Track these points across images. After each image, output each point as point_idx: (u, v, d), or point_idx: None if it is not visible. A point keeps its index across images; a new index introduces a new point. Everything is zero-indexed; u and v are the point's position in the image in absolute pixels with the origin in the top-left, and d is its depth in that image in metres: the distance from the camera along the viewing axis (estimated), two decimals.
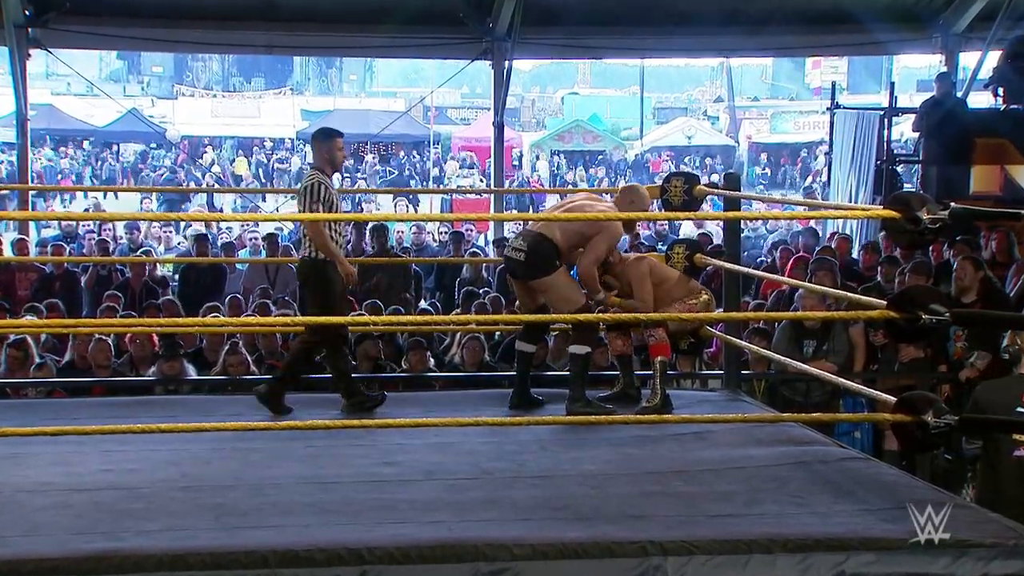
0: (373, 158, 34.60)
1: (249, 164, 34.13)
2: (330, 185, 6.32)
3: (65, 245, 12.43)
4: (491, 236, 14.71)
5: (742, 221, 8.47)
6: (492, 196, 16.62)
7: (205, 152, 34.83)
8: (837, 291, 6.50)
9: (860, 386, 5.48)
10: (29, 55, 13.10)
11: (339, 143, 6.46)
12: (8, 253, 11.89)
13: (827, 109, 16.15)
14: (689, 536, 4.21)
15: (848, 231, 13.03)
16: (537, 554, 4.12)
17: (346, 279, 6.25)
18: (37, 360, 7.96)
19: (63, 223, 13.94)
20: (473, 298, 9.95)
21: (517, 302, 6.57)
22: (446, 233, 14.39)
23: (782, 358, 6.57)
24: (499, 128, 14.78)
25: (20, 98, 13.25)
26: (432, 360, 8.38)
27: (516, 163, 34.24)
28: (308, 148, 35.19)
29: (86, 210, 19.80)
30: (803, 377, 7.61)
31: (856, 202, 13.11)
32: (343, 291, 6.41)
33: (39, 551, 4.02)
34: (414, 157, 35.21)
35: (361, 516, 4.47)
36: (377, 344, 8.27)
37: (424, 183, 32.59)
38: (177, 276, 11.71)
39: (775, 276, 8.50)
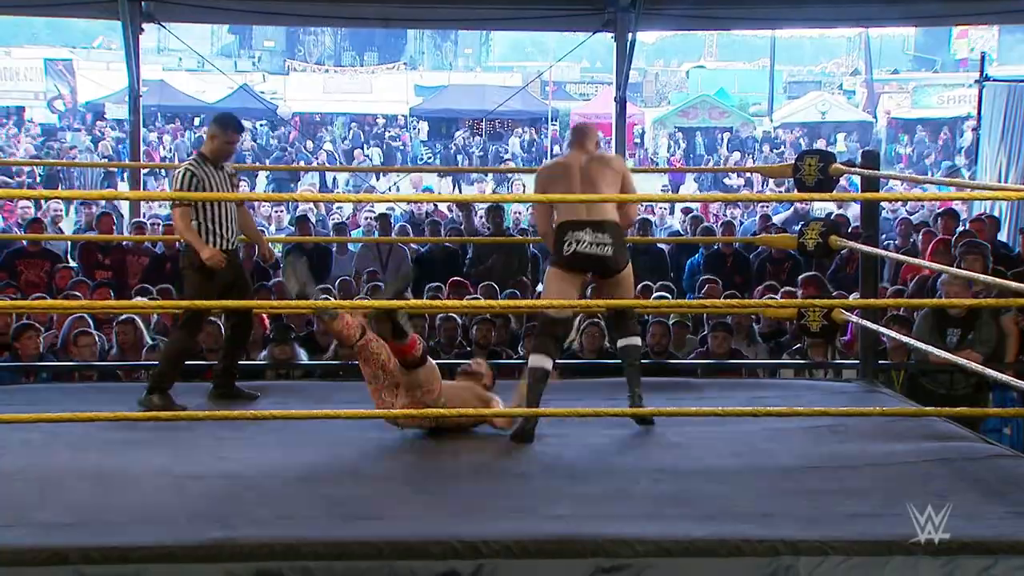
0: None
1: (363, 146, 34.05)
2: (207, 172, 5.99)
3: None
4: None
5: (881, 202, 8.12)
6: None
7: (320, 131, 35.03)
8: (987, 276, 6.15)
9: (1011, 378, 5.16)
10: (142, 29, 13.12)
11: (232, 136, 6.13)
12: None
13: (975, 82, 15.53)
14: (823, 536, 4.08)
15: (996, 213, 12.49)
16: (660, 551, 4.02)
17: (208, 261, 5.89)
18: (149, 342, 7.99)
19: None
20: (591, 282, 9.73)
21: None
22: None
23: (924, 346, 6.25)
24: (621, 104, 14.48)
25: (133, 74, 13.24)
26: None
27: (638, 140, 33.83)
28: (421, 125, 35.30)
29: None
30: (947, 368, 7.29)
31: (1007, 182, 12.56)
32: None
33: (152, 538, 4.01)
34: (521, 134, 34.93)
35: (476, 509, 4.37)
36: (491, 328, 8.11)
37: (542, 161, 32.27)
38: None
39: (916, 260, 8.11)
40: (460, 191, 25.60)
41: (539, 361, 5.59)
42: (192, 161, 6.03)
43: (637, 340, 5.87)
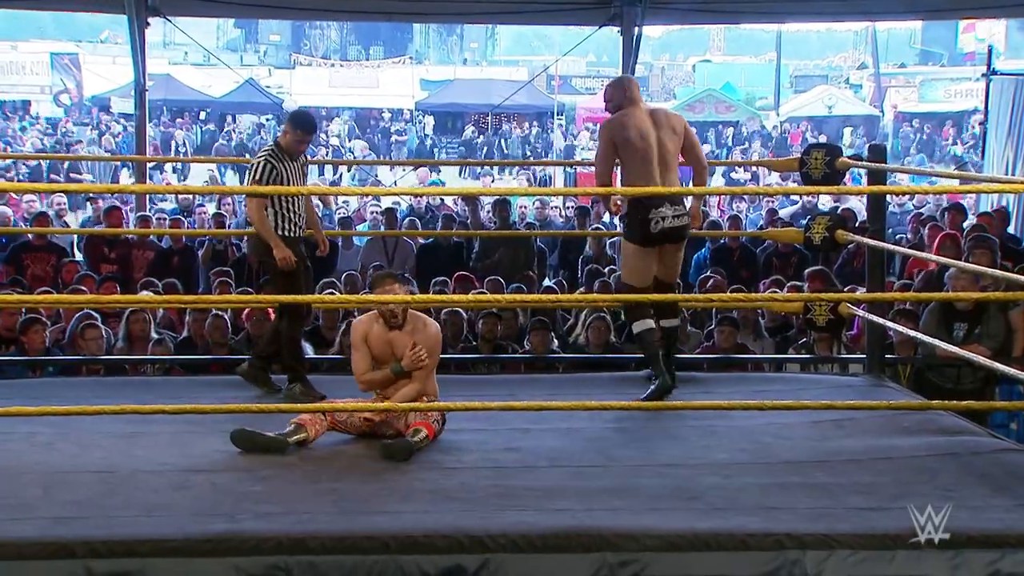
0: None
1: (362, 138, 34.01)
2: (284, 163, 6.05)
3: (183, 219, 12.46)
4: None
5: (888, 196, 8.09)
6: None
7: (328, 125, 34.99)
8: (995, 271, 6.14)
9: (1018, 372, 5.14)
10: (148, 23, 13.06)
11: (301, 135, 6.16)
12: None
13: (982, 75, 15.44)
14: (830, 530, 4.08)
15: (1004, 206, 12.45)
16: (667, 545, 4.02)
17: (280, 263, 5.99)
18: (155, 337, 7.98)
19: (180, 196, 14.03)
20: (597, 276, 9.73)
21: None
22: (571, 208, 14.16)
23: (931, 340, 6.23)
24: None
25: (139, 67, 13.20)
26: (555, 341, 8.18)
27: None
28: (427, 119, 35.14)
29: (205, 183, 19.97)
30: (954, 362, 7.24)
31: (1014, 175, 12.49)
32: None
33: (158, 532, 4.02)
34: (527, 128, 34.85)
35: (482, 503, 4.36)
36: (497, 323, 8.10)
37: (547, 155, 32.20)
38: None
39: (923, 254, 8.07)
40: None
41: (642, 325, 6.03)
42: (271, 151, 6.09)
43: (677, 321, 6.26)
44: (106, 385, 6.71)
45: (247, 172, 6.19)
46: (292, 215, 6.07)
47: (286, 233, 6.03)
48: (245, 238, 6.13)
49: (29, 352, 7.56)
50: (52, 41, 39.58)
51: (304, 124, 6.16)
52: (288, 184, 5.99)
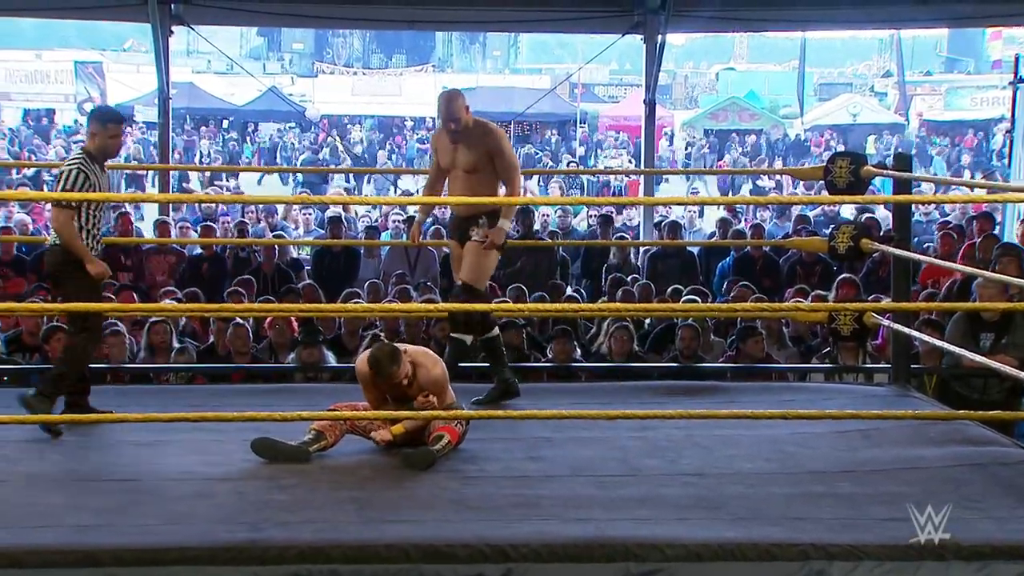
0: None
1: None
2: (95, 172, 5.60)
3: (214, 225, 12.49)
4: (640, 220, 14.38)
5: (913, 205, 8.04)
6: (642, 178, 16.27)
7: (350, 130, 35.02)
8: (1022, 280, 6.08)
9: None
10: (171, 32, 13.16)
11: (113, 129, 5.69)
12: (149, 235, 11.97)
13: (1009, 83, 15.33)
14: (856, 540, 4.07)
15: None
16: (691, 555, 4.01)
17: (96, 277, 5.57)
18: (177, 346, 8.00)
19: (203, 205, 14.08)
20: (621, 285, 9.72)
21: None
22: (594, 217, 14.14)
23: (957, 350, 6.19)
24: (650, 106, 14.42)
25: (162, 76, 13.28)
26: (578, 350, 8.16)
27: (667, 143, 33.68)
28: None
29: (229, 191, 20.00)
30: (980, 372, 7.21)
31: None
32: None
33: (182, 540, 4.03)
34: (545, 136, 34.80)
35: (504, 512, 4.36)
36: (521, 332, 8.09)
37: (569, 163, 32.14)
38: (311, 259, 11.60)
39: (948, 263, 8.03)
40: None
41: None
42: (82, 159, 5.58)
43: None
44: (129, 393, 6.72)
45: (56, 181, 5.69)
46: (95, 230, 5.62)
47: (89, 249, 5.57)
48: (46, 248, 5.75)
49: (52, 360, 7.57)
50: (76, 50, 39.80)
51: (114, 116, 5.79)
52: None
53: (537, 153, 32.44)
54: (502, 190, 6.01)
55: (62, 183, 5.54)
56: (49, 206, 5.64)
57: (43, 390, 5.44)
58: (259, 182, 26.23)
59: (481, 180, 5.86)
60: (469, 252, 5.94)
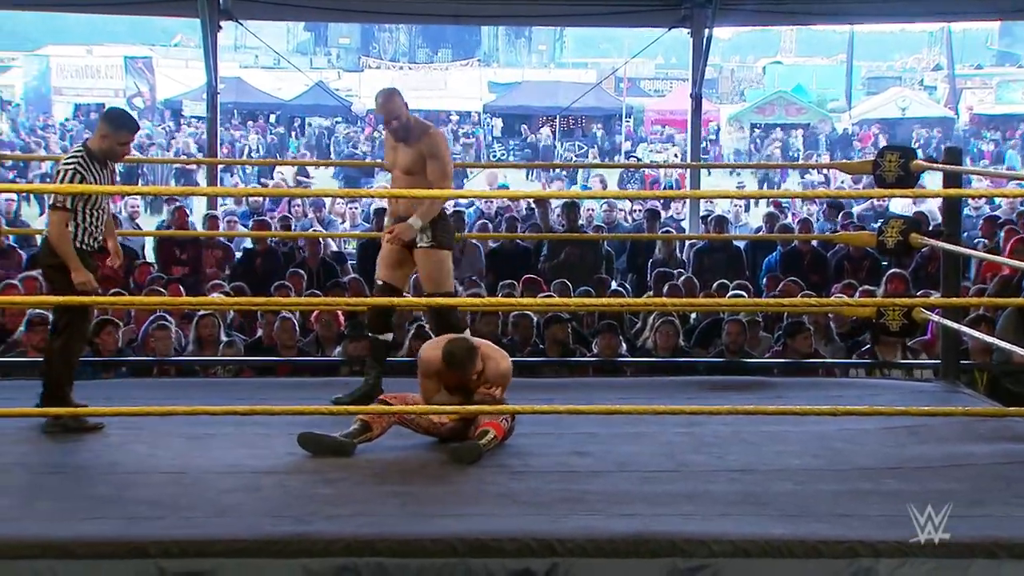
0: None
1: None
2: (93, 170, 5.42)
3: (270, 221, 12.54)
4: (687, 213, 14.31)
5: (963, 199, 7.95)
6: (688, 172, 16.17)
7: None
8: None
9: None
10: (220, 27, 13.17)
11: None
12: (199, 229, 12.05)
13: None
14: (904, 538, 4.02)
15: None
16: (738, 551, 4.00)
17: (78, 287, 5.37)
18: (225, 339, 8.06)
19: (250, 199, 14.19)
20: (666, 279, 9.68)
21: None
22: (639, 211, 14.08)
23: (1008, 346, 6.11)
24: (697, 100, 14.34)
25: (211, 71, 13.29)
26: (624, 344, 8.14)
27: (712, 137, 33.52)
28: (495, 122, 35.12)
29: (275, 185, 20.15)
30: None
31: None
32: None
33: (229, 532, 4.05)
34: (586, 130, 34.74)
35: (551, 507, 4.35)
36: (566, 327, 8.08)
37: (613, 158, 32.06)
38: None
39: (999, 258, 7.93)
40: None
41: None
42: (80, 157, 5.41)
43: None
44: (177, 386, 6.80)
45: (51, 181, 5.52)
46: (94, 228, 5.48)
47: (84, 247, 5.44)
48: (41, 240, 5.61)
49: (102, 353, 7.65)
50: (126, 45, 40.25)
51: (129, 123, 5.61)
52: (95, 195, 5.40)
53: (583, 147, 32.45)
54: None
55: (58, 183, 5.36)
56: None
57: (53, 417, 5.29)
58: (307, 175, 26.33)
59: (419, 183, 5.77)
60: (422, 261, 5.87)
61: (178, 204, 12.11)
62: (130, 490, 4.51)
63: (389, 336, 6.08)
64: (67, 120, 34.43)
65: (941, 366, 6.63)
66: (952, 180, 6.42)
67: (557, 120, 33.61)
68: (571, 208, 11.29)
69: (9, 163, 21.20)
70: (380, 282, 5.99)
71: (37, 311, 7.40)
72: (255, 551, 3.94)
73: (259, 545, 3.96)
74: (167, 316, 8.03)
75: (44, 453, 5.08)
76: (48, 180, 17.00)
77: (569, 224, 11.21)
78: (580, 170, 26.38)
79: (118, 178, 6.20)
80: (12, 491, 4.52)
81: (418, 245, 5.85)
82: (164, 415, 5.00)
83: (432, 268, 5.88)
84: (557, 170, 25.62)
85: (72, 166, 5.35)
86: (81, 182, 5.32)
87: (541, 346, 8.03)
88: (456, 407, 5.05)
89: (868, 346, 7.97)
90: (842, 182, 20.26)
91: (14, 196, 13.61)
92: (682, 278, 9.76)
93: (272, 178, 22.03)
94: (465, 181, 20.23)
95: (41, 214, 14.49)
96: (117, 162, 5.70)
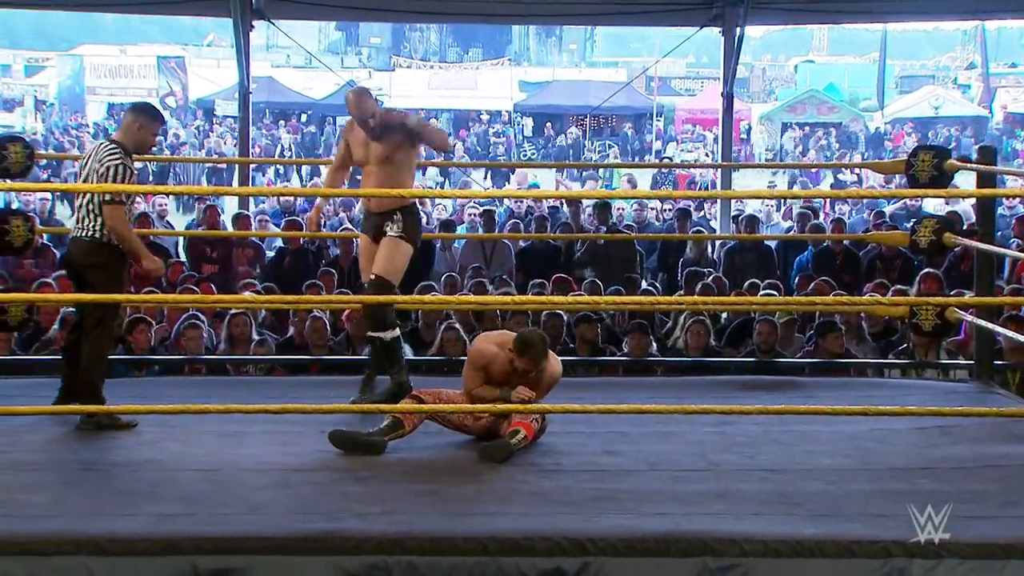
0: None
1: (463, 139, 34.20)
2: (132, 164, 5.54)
3: (300, 221, 12.56)
4: (716, 213, 14.26)
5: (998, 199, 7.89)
6: (719, 172, 16.14)
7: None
8: None
9: None
10: (252, 27, 13.19)
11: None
12: (229, 228, 12.10)
13: None
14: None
15: None
16: (769, 551, 3.99)
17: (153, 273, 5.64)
18: (256, 338, 8.09)
19: (281, 199, 14.25)
20: (697, 279, 9.65)
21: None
22: (670, 211, 14.04)
23: None
24: (728, 99, 14.28)
25: (243, 70, 13.35)
26: (654, 344, 8.13)
27: (744, 136, 33.38)
28: (525, 121, 35.07)
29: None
30: None
31: None
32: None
33: (260, 530, 4.07)
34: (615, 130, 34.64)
35: (582, 506, 4.35)
36: (596, 326, 8.07)
37: (644, 157, 31.96)
38: None
39: None
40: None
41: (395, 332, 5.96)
42: (120, 152, 5.46)
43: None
44: (209, 384, 6.83)
45: (94, 178, 5.45)
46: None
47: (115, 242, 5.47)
48: (70, 239, 5.62)
49: (135, 351, 7.70)
50: (159, 45, 40.51)
51: (160, 114, 5.83)
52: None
53: (612, 146, 32.33)
54: (417, 183, 5.99)
55: (110, 180, 5.37)
56: (86, 198, 5.44)
57: (87, 415, 5.36)
58: None
59: (395, 172, 5.79)
60: (384, 246, 5.85)
61: (209, 203, 12.16)
62: (163, 487, 4.53)
63: (396, 331, 5.97)
64: (101, 120, 34.66)
65: (975, 366, 6.59)
66: (986, 180, 6.38)
67: (587, 119, 33.54)
68: (603, 208, 11.28)
69: (43, 162, 21.32)
70: (372, 276, 5.92)
71: (71, 310, 7.45)
72: (286, 548, 3.95)
73: (290, 542, 3.97)
74: (199, 315, 8.08)
75: (77, 450, 5.12)
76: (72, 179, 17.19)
77: (600, 222, 11.21)
78: (607, 169, 26.34)
79: (151, 177, 6.29)
80: (46, 488, 4.55)
81: (387, 233, 5.85)
82: (197, 413, 5.03)
83: (389, 254, 5.84)
84: (591, 169, 25.59)
85: (118, 161, 5.40)
86: (131, 176, 5.44)
87: (571, 345, 8.03)
88: (486, 406, 5.06)
89: (905, 346, 7.92)
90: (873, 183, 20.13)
91: (48, 195, 13.70)
92: (711, 277, 9.74)
93: (312, 179, 22.08)
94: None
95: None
96: (145, 153, 5.83)
